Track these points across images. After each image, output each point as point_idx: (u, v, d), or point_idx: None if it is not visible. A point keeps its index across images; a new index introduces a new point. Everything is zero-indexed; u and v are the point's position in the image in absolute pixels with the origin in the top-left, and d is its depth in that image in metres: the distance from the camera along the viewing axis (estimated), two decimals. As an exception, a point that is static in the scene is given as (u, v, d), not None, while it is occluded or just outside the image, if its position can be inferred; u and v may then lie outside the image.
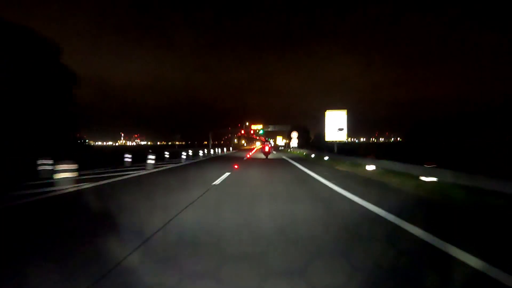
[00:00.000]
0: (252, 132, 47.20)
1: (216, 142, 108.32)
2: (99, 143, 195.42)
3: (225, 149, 42.45)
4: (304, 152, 29.38)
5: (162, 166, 14.19)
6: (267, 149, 24.58)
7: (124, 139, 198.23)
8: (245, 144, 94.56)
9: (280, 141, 69.30)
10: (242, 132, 48.93)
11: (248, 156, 25.26)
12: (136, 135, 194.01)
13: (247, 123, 48.88)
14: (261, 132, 47.19)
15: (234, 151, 45.11)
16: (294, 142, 41.15)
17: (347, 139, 20.47)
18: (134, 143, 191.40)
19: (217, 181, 8.76)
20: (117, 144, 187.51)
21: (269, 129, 47.59)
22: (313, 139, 45.62)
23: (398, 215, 4.59)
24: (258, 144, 72.34)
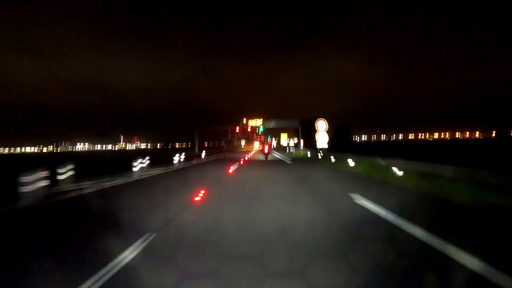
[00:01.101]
0: (249, 129, 38.54)
1: (216, 144, 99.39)
2: (98, 146, 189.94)
3: (180, 156, 18.84)
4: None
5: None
6: (266, 149, 23.68)
7: (123, 142, 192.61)
8: (243, 146, 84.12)
9: (285, 140, 56.62)
10: (237, 129, 40.16)
11: (200, 193, 6.94)
12: (135, 138, 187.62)
13: (244, 120, 40.08)
14: (260, 129, 38.46)
15: (214, 156, 28.24)
16: (322, 139, 21.79)
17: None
18: (133, 146, 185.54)
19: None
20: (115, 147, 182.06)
21: (270, 125, 38.86)
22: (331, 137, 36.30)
23: None
24: (256, 145, 62.18)
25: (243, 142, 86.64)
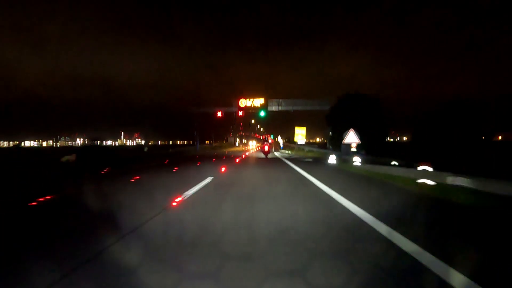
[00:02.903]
0: (241, 113, 22.22)
1: (213, 141, 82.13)
2: (98, 142, 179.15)
3: None
4: None
5: None
6: (266, 148, 21.36)
7: (124, 138, 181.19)
8: (237, 143, 66.24)
9: (302, 136, 30.51)
10: (219, 114, 23.52)
11: None
12: (136, 134, 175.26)
13: (242, 103, 23.47)
14: (262, 114, 21.96)
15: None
16: None
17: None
18: (134, 142, 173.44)
19: None
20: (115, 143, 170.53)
21: (280, 108, 22.38)
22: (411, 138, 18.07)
23: None
24: (252, 145, 45.49)
25: (242, 140, 68.70)
